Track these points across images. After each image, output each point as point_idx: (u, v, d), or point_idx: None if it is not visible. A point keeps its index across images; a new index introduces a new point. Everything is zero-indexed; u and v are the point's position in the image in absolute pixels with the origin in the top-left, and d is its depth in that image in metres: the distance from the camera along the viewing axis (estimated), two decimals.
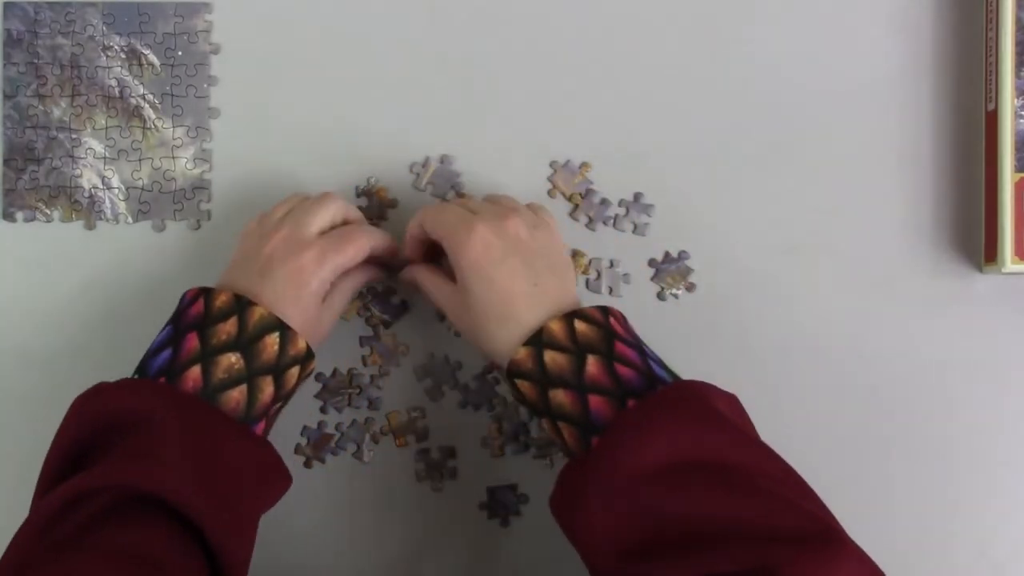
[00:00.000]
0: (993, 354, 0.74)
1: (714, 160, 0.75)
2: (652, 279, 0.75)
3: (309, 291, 0.65)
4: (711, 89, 0.75)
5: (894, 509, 0.74)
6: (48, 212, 0.75)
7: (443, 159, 0.75)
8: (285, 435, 0.74)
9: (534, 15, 0.76)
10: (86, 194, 0.75)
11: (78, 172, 0.75)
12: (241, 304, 0.63)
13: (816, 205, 0.75)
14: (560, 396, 0.60)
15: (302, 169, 0.75)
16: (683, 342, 0.74)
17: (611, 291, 0.74)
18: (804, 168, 0.75)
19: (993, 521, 0.74)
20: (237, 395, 0.62)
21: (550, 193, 0.75)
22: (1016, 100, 0.71)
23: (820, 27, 0.75)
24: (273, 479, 0.65)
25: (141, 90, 0.75)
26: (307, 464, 0.74)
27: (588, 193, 0.75)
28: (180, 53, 0.75)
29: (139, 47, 0.75)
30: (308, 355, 0.65)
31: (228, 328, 0.63)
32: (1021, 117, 0.71)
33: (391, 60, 0.75)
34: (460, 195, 0.75)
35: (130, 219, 0.75)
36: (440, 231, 0.66)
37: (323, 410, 0.74)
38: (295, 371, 0.65)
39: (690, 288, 0.75)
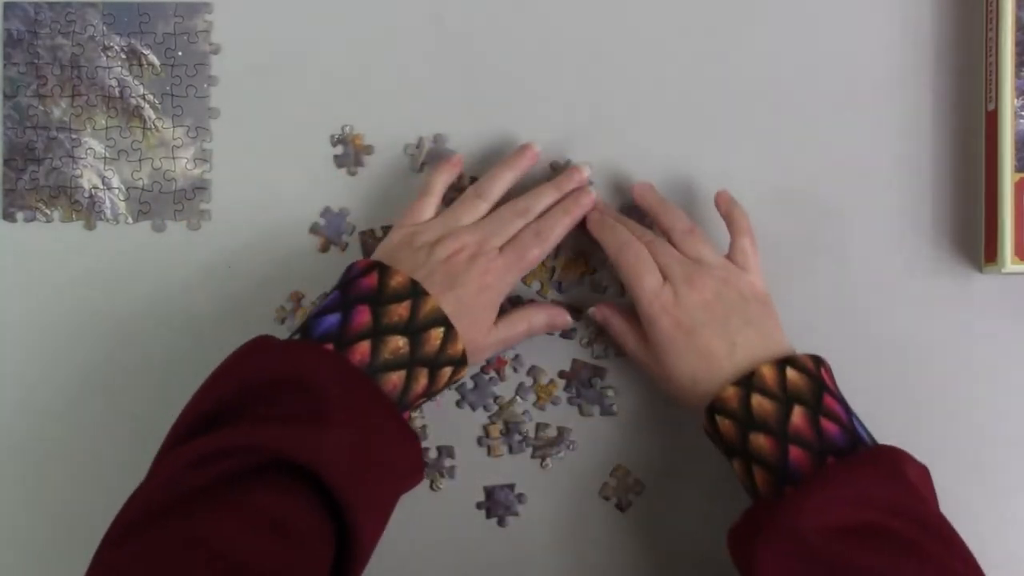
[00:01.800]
0: (993, 354, 0.74)
1: (714, 160, 0.75)
2: None
3: (484, 301, 0.66)
4: (710, 89, 0.75)
5: None
6: (48, 212, 0.75)
7: (436, 138, 0.75)
8: None
9: (536, 7, 0.76)
10: (86, 194, 0.75)
11: (78, 172, 0.75)
12: (416, 290, 0.64)
13: (816, 205, 0.75)
14: (760, 441, 0.61)
15: (302, 169, 0.75)
16: None
17: (606, 290, 0.74)
18: (804, 168, 0.75)
19: (992, 522, 0.73)
20: (396, 379, 0.62)
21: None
22: (1016, 100, 0.71)
23: (820, 27, 0.75)
24: (414, 469, 0.66)
25: (141, 90, 0.75)
26: None
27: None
28: (180, 53, 0.75)
29: (139, 47, 0.75)
30: (462, 360, 0.66)
31: (401, 311, 0.63)
32: (1021, 117, 0.71)
33: (391, 60, 0.75)
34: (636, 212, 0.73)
35: (130, 219, 0.75)
36: (625, 277, 0.67)
37: None
38: (447, 371, 0.65)
39: None
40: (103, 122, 0.75)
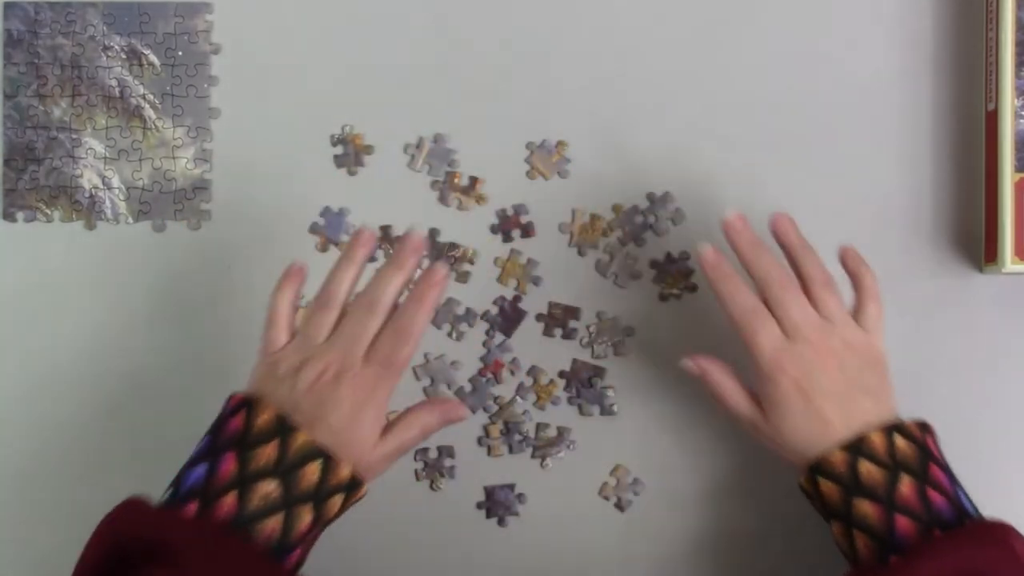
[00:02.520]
0: (993, 354, 0.74)
1: (714, 160, 0.75)
2: (653, 280, 0.75)
3: (362, 419, 0.62)
4: (711, 89, 0.75)
5: None
6: (48, 212, 0.75)
7: (436, 138, 0.75)
8: None
9: (535, 8, 0.76)
10: (86, 194, 0.75)
11: (78, 172, 0.75)
12: (284, 427, 0.60)
13: (816, 205, 0.75)
14: (866, 507, 0.60)
15: (302, 169, 0.75)
16: (683, 342, 0.74)
17: (616, 278, 0.74)
18: (804, 168, 0.75)
19: None
20: (272, 524, 0.59)
21: (529, 174, 0.75)
22: (1016, 100, 0.71)
23: (820, 27, 0.75)
24: None
25: (141, 90, 0.75)
26: None
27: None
28: (180, 53, 0.75)
29: (139, 47, 0.75)
30: (352, 484, 0.61)
31: (269, 452, 0.59)
32: (1021, 117, 0.71)
33: (391, 60, 0.75)
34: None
35: (130, 219, 0.75)
36: (739, 330, 0.64)
37: None
38: (338, 499, 0.61)
39: (691, 289, 0.75)
40: (103, 122, 0.75)
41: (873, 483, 0.60)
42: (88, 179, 0.75)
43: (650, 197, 0.75)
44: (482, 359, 0.74)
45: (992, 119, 0.72)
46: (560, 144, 0.75)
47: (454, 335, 0.74)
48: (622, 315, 0.75)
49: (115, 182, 0.75)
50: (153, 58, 0.75)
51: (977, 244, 0.74)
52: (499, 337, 0.74)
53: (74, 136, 0.75)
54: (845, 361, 0.64)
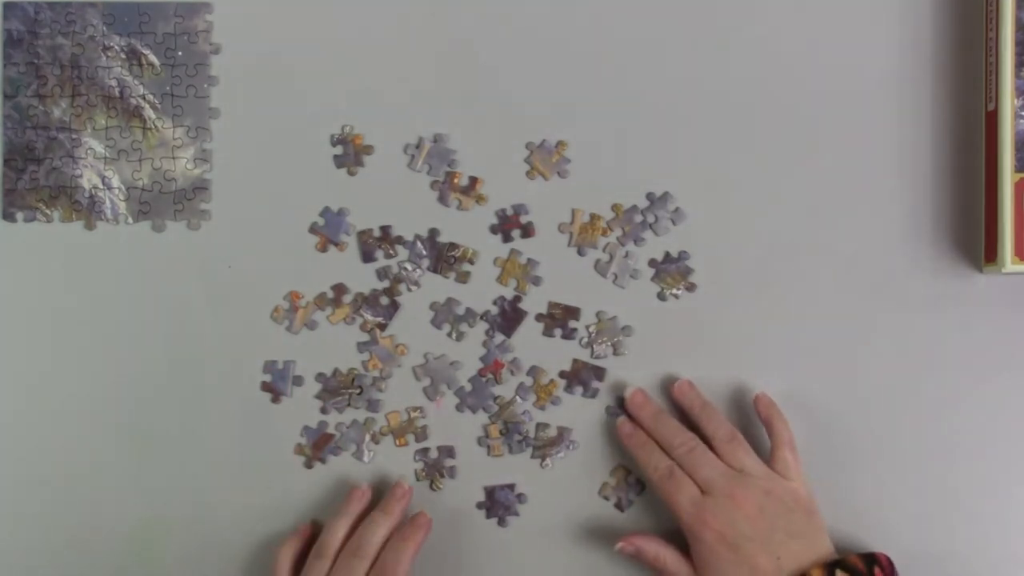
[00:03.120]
0: (993, 354, 0.74)
1: (714, 160, 0.75)
2: (652, 279, 0.75)
3: None
4: (711, 89, 0.75)
5: (894, 509, 0.73)
6: (48, 212, 0.75)
7: (436, 138, 0.75)
8: (285, 435, 0.74)
9: (535, 8, 0.76)
10: (86, 194, 0.75)
11: (78, 172, 0.75)
12: None
13: (816, 205, 0.75)
14: None
15: (302, 169, 0.75)
16: (683, 342, 0.74)
17: (615, 278, 0.74)
18: (804, 168, 0.75)
19: (993, 521, 0.73)
20: None
21: (529, 174, 0.75)
22: (1016, 100, 0.71)
23: (820, 27, 0.75)
24: None
25: (141, 90, 0.75)
26: (307, 464, 0.74)
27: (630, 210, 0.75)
28: (180, 53, 0.75)
29: (139, 47, 0.75)
30: None
31: None
32: (1021, 117, 0.71)
33: (391, 60, 0.75)
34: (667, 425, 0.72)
35: (130, 219, 0.75)
36: (661, 496, 0.68)
37: (323, 410, 0.74)
38: None
39: (690, 288, 0.75)
40: (103, 122, 0.75)
41: None
42: (88, 179, 0.75)
43: (650, 197, 0.75)
44: (482, 359, 0.74)
45: (992, 119, 0.72)
46: (560, 144, 0.75)
47: (454, 335, 0.74)
48: (621, 315, 0.75)
49: (115, 182, 0.75)
50: (153, 58, 0.75)
51: (977, 244, 0.74)
52: (499, 337, 0.74)
53: (74, 136, 0.75)
54: (766, 507, 0.65)
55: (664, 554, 0.68)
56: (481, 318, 0.74)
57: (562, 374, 0.74)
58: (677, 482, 0.68)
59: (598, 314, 0.74)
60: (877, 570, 0.64)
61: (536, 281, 0.75)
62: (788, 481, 0.68)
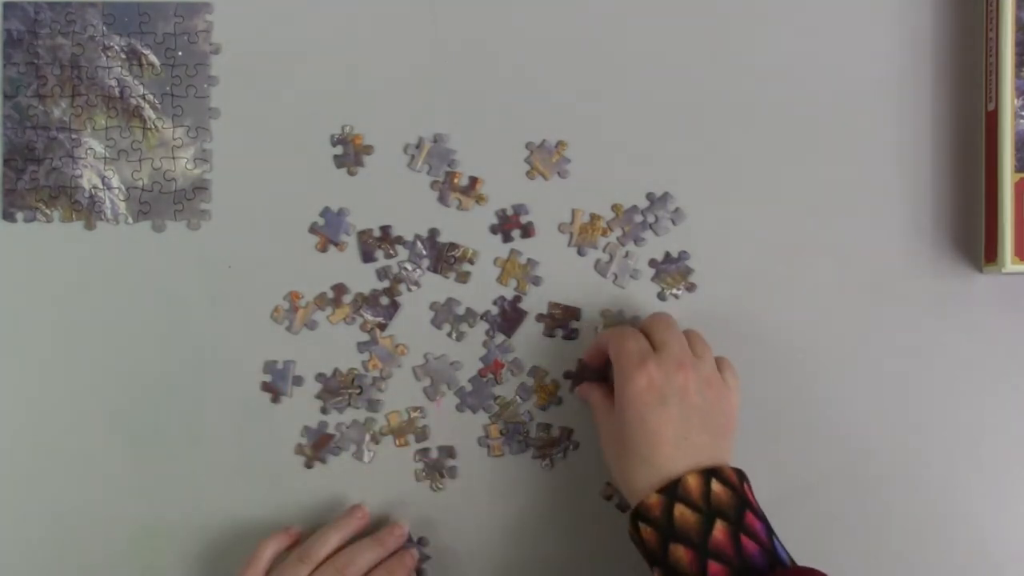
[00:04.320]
0: (993, 354, 0.74)
1: (714, 160, 0.75)
2: (652, 279, 0.75)
3: None
4: (711, 89, 0.75)
5: (894, 508, 0.74)
6: (48, 212, 0.75)
7: (436, 138, 0.75)
8: (285, 435, 0.74)
9: (535, 8, 0.76)
10: (86, 194, 0.75)
11: (78, 172, 0.75)
12: None
13: (816, 205, 0.75)
14: (680, 552, 0.60)
15: (302, 169, 0.75)
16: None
17: (615, 278, 0.74)
18: (804, 168, 0.75)
19: (992, 521, 0.73)
20: None
21: (529, 174, 0.75)
22: (1016, 100, 0.71)
23: (820, 27, 0.75)
24: None
25: (141, 90, 0.75)
26: (307, 464, 0.74)
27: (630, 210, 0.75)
28: (180, 53, 0.75)
29: (139, 47, 0.75)
30: None
31: None
32: (1021, 117, 0.71)
33: (391, 60, 0.75)
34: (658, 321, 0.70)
35: (130, 219, 0.75)
36: (617, 356, 0.67)
37: (323, 410, 0.74)
38: None
39: (690, 288, 0.75)
40: (103, 122, 0.75)
41: (687, 527, 0.60)
42: (88, 179, 0.75)
43: (650, 197, 0.75)
44: (482, 359, 0.74)
45: (992, 119, 0.72)
46: (560, 144, 0.75)
47: (454, 335, 0.74)
48: (622, 313, 0.75)
49: (115, 182, 0.75)
50: (153, 58, 0.75)
51: (977, 244, 0.74)
52: (499, 337, 0.74)
53: (74, 136, 0.75)
54: (701, 391, 0.65)
55: (601, 404, 0.69)
56: (481, 318, 0.74)
57: (567, 375, 0.74)
58: (631, 333, 0.67)
59: (603, 313, 0.74)
60: (747, 486, 0.63)
61: (536, 281, 0.75)
62: (728, 390, 0.67)
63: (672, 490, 0.61)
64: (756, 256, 0.75)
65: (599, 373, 0.73)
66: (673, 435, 0.63)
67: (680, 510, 0.61)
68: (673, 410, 0.64)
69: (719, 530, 0.60)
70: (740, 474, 0.63)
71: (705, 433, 0.64)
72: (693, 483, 0.61)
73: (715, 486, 0.61)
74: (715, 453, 0.64)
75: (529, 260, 0.75)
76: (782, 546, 0.62)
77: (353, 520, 0.72)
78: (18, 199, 0.75)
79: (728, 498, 0.61)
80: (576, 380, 0.74)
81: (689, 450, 0.63)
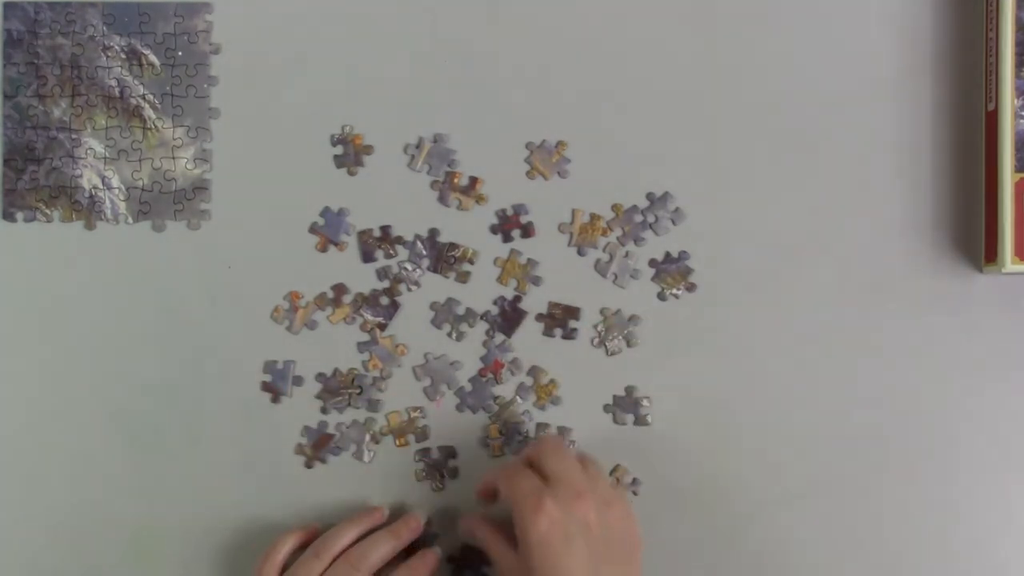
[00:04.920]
0: (993, 354, 0.74)
1: (714, 160, 0.75)
2: (652, 279, 0.75)
3: None
4: (711, 89, 0.75)
5: (894, 508, 0.74)
6: (48, 212, 0.75)
7: (436, 138, 0.75)
8: (285, 435, 0.74)
9: (535, 7, 0.76)
10: (86, 194, 0.75)
11: (78, 172, 0.75)
12: None
13: (816, 205, 0.75)
14: None
15: (302, 169, 0.75)
16: (683, 342, 0.74)
17: (615, 278, 0.74)
18: (804, 168, 0.75)
19: (993, 521, 0.73)
20: None
21: (529, 174, 0.75)
22: (1016, 100, 0.71)
23: (820, 27, 0.75)
24: None
25: (141, 90, 0.75)
26: (307, 464, 0.74)
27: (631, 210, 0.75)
28: (180, 53, 0.75)
29: (139, 47, 0.75)
30: None
31: None
32: (1021, 117, 0.71)
33: (391, 60, 0.75)
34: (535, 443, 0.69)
35: (130, 219, 0.75)
36: (512, 496, 0.64)
37: (323, 410, 0.74)
38: None
39: (690, 288, 0.75)
40: (103, 122, 0.75)
41: None
42: (88, 179, 0.75)
43: (650, 197, 0.75)
44: (482, 359, 0.74)
45: (992, 119, 0.72)
46: (560, 144, 0.75)
47: (454, 335, 0.74)
48: (621, 313, 0.75)
49: (115, 182, 0.75)
50: (153, 58, 0.75)
51: (977, 244, 0.74)
52: (499, 337, 0.74)
53: (74, 136, 0.75)
54: (603, 518, 0.63)
55: (494, 539, 0.66)
56: (481, 318, 0.74)
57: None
58: (521, 472, 0.65)
59: (602, 311, 0.74)
60: None
61: (536, 281, 0.75)
62: (628, 516, 0.66)
63: None
64: (756, 256, 0.75)
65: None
66: (585, 573, 0.62)
67: None
68: (580, 549, 0.62)
69: None
70: None
71: (614, 563, 0.63)
72: None
73: None
74: None
75: (529, 260, 0.75)
76: None
77: (369, 518, 0.72)
78: (18, 199, 0.75)
79: None
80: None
81: None
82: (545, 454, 0.66)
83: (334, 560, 0.69)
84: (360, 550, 0.69)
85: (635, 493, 0.74)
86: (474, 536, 0.69)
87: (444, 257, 0.75)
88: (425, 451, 0.74)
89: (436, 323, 0.74)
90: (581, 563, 0.61)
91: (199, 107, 0.75)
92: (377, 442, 0.74)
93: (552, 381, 0.74)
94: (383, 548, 0.70)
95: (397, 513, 0.74)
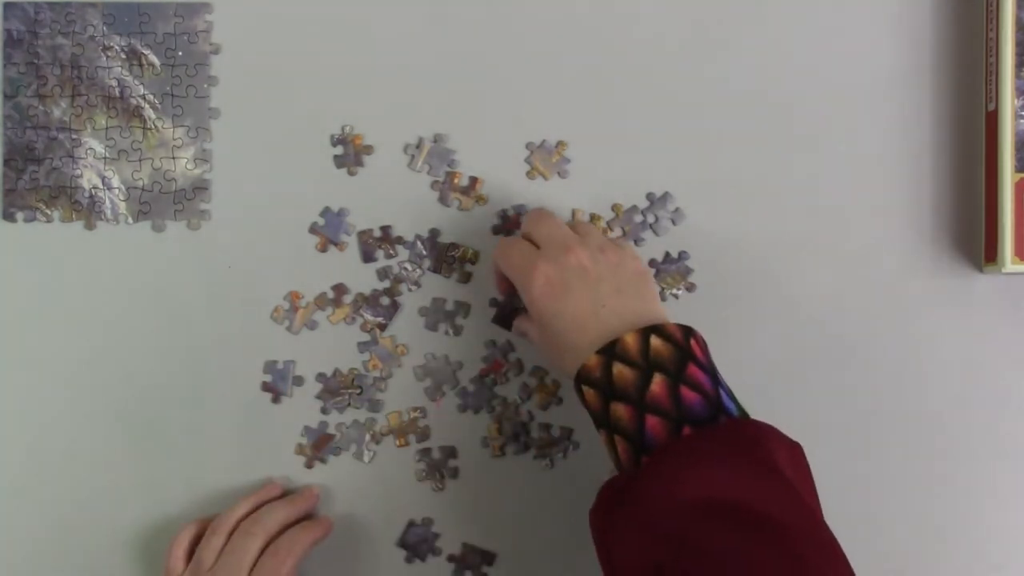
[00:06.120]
0: (993, 354, 0.74)
1: (714, 160, 0.75)
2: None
3: None
4: (711, 89, 0.75)
5: (893, 508, 0.74)
6: (48, 212, 0.75)
7: (436, 138, 0.75)
8: (285, 435, 0.74)
9: (535, 8, 0.76)
10: (86, 194, 0.75)
11: (78, 172, 0.75)
12: None
13: (816, 205, 0.75)
14: (620, 410, 0.59)
15: (302, 169, 0.75)
16: None
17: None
18: (804, 168, 0.75)
19: (992, 521, 0.74)
20: None
21: (529, 174, 0.75)
22: (1016, 100, 0.71)
23: (821, 27, 0.75)
24: None
25: (141, 90, 0.75)
26: (308, 464, 0.74)
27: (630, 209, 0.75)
28: (180, 53, 0.75)
29: (139, 47, 0.75)
30: None
31: None
32: (1021, 117, 0.71)
33: (391, 60, 0.75)
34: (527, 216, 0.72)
35: (130, 219, 0.75)
36: (509, 272, 0.67)
37: (324, 410, 0.74)
38: None
39: (690, 288, 0.75)
40: (103, 122, 0.75)
41: (625, 384, 0.59)
42: (88, 179, 0.75)
43: (650, 197, 0.75)
44: (484, 359, 0.74)
45: (992, 119, 0.72)
46: (560, 144, 0.75)
47: (451, 332, 0.74)
48: None
49: (115, 182, 0.75)
50: (153, 58, 0.75)
51: (977, 244, 0.74)
52: (500, 337, 0.74)
53: (74, 136, 0.75)
54: (597, 260, 0.65)
55: (524, 324, 0.70)
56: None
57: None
58: (513, 242, 0.68)
59: None
60: (693, 341, 0.62)
61: None
62: (624, 249, 0.67)
63: (611, 350, 0.60)
64: (756, 256, 0.75)
65: (517, 298, 0.72)
66: (590, 310, 0.63)
67: (618, 368, 0.60)
68: (579, 291, 0.63)
69: (657, 384, 0.59)
70: (686, 330, 0.62)
71: (620, 295, 0.64)
72: (630, 341, 0.60)
73: (654, 342, 0.60)
74: (646, 312, 0.64)
75: None
76: (731, 396, 0.61)
77: (263, 492, 0.73)
78: (18, 199, 0.75)
79: (669, 352, 0.60)
80: (500, 320, 0.74)
81: (612, 316, 0.63)
82: (532, 222, 0.69)
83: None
84: (254, 516, 0.70)
85: None
86: (520, 331, 0.71)
87: (444, 257, 0.75)
88: (426, 451, 0.74)
89: (430, 325, 0.74)
90: (581, 304, 0.63)
91: (199, 107, 0.75)
92: (377, 442, 0.74)
93: (554, 381, 0.74)
94: (277, 514, 0.70)
95: (385, 517, 0.74)
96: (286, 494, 0.74)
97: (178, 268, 0.75)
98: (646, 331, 0.60)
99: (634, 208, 0.75)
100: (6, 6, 0.75)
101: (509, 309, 0.73)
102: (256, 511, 0.71)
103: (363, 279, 0.75)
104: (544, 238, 0.67)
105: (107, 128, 0.75)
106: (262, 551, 0.68)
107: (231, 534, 0.70)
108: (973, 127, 0.74)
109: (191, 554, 0.70)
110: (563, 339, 0.63)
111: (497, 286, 0.73)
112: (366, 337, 0.74)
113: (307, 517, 0.73)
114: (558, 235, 0.66)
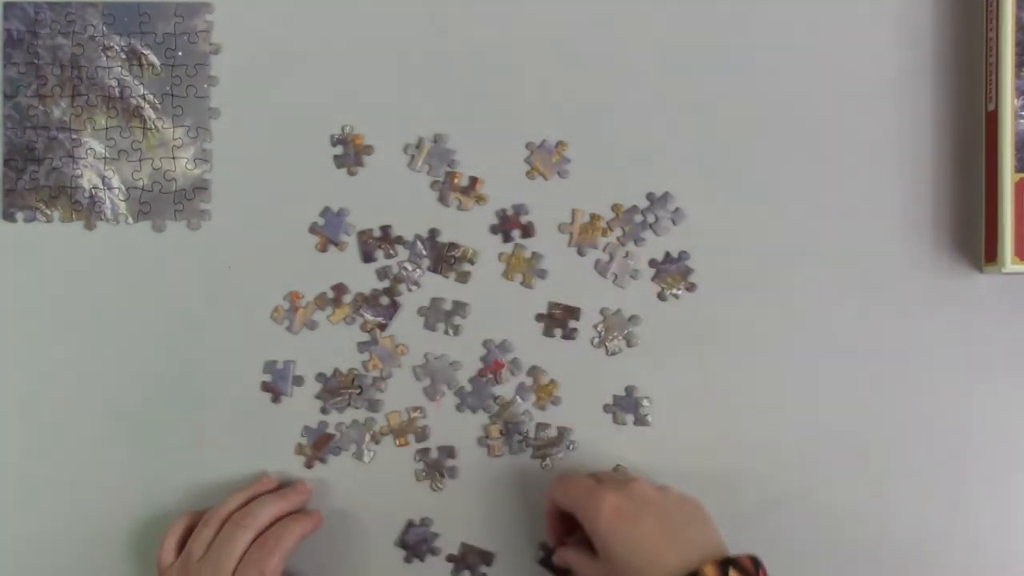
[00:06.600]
0: (993, 354, 0.74)
1: (714, 160, 0.75)
2: (652, 279, 0.75)
3: None
4: (711, 89, 0.75)
5: (894, 508, 0.73)
6: (48, 212, 0.75)
7: (436, 138, 0.75)
8: (285, 435, 0.74)
9: (535, 8, 0.76)
10: (86, 194, 0.75)
11: (78, 172, 0.75)
12: None
13: (816, 205, 0.75)
14: None
15: (302, 169, 0.75)
16: (683, 342, 0.74)
17: (615, 278, 0.74)
18: (804, 168, 0.75)
19: (993, 521, 0.73)
20: None
21: (529, 174, 0.75)
22: (1016, 100, 0.71)
23: (821, 28, 0.75)
24: None
25: (141, 90, 0.75)
26: (308, 464, 0.74)
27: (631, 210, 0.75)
28: (180, 53, 0.75)
29: (139, 47, 0.75)
30: None
31: None
32: (1021, 117, 0.71)
33: (391, 60, 0.75)
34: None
35: (130, 219, 0.75)
36: (571, 504, 0.67)
37: (323, 410, 0.74)
38: None
39: (690, 288, 0.75)
40: (103, 122, 0.75)
41: None
42: (88, 179, 0.75)
43: (650, 197, 0.75)
44: (482, 359, 0.74)
45: (992, 119, 0.72)
46: (560, 144, 0.75)
47: (450, 331, 0.74)
48: (621, 312, 0.75)
49: (115, 182, 0.75)
50: (153, 58, 0.75)
51: (977, 244, 0.74)
52: (500, 337, 0.74)
53: (74, 136, 0.75)
54: (663, 494, 0.65)
55: (582, 558, 0.67)
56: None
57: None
58: (571, 477, 0.68)
59: (602, 311, 0.74)
60: (762, 572, 0.63)
61: (542, 275, 0.74)
62: (682, 494, 0.67)
63: None
64: (756, 256, 0.74)
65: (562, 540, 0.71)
66: (666, 539, 0.63)
67: None
68: (651, 518, 0.64)
69: None
70: (755, 562, 0.63)
71: (692, 525, 0.65)
72: (711, 573, 0.61)
73: (732, 574, 0.61)
74: (713, 543, 0.64)
75: (534, 253, 0.75)
76: None
77: (257, 485, 0.73)
78: (18, 199, 0.75)
79: None
80: (548, 564, 0.74)
81: (688, 545, 0.63)
82: (567, 478, 0.69)
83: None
84: (246, 509, 0.70)
85: None
86: (567, 562, 0.69)
87: (444, 257, 0.75)
88: (425, 451, 0.74)
89: (429, 325, 0.74)
90: (653, 533, 0.63)
91: (199, 107, 0.75)
92: (377, 442, 0.74)
93: (552, 381, 0.74)
94: (269, 508, 0.70)
95: (384, 518, 0.74)
96: (281, 487, 0.73)
97: (178, 268, 0.75)
98: (724, 564, 0.61)
99: (634, 208, 0.75)
100: (6, 6, 0.75)
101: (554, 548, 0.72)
102: (248, 505, 0.71)
103: (363, 279, 0.75)
104: (601, 476, 0.68)
105: (107, 128, 0.75)
106: (252, 543, 0.69)
107: (223, 526, 0.70)
108: (973, 127, 0.74)
109: (183, 546, 0.70)
110: (635, 569, 0.63)
111: (547, 530, 0.71)
112: (366, 337, 0.75)
113: (299, 511, 0.73)
114: (616, 475, 0.68)
